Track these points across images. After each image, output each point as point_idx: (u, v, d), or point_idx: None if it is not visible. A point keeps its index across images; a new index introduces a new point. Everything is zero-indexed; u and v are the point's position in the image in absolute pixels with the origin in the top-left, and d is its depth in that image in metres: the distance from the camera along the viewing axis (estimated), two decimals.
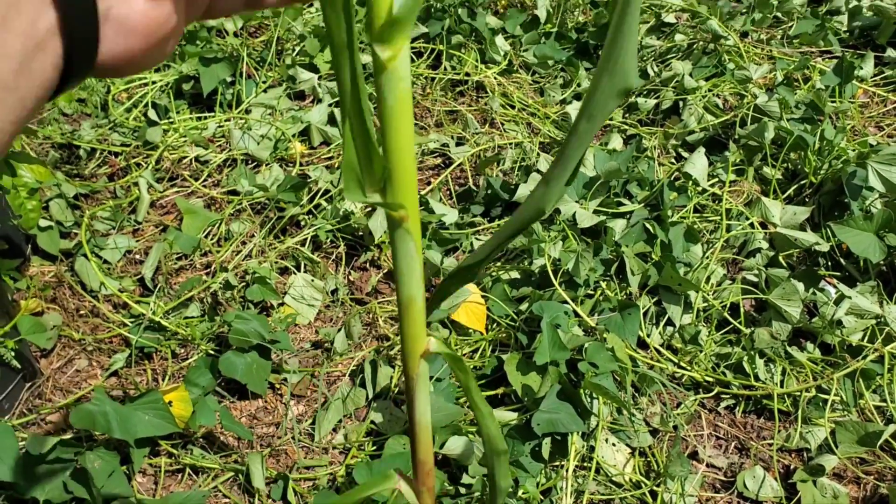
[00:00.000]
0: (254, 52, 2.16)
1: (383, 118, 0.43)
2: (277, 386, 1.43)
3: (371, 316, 1.53)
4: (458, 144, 1.93)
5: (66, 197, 1.69)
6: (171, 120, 1.95)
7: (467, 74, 2.10)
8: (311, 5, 2.31)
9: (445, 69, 2.12)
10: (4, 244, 1.35)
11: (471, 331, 1.47)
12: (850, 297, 1.45)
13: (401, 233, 0.47)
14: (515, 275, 1.54)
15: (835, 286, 1.52)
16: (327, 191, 1.73)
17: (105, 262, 1.63)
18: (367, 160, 0.44)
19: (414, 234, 0.48)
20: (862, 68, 2.01)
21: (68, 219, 1.68)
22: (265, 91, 2.05)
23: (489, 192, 1.74)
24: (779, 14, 2.25)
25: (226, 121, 1.96)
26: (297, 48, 2.15)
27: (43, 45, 0.30)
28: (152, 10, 0.33)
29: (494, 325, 1.48)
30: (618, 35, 0.42)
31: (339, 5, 0.38)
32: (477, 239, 1.67)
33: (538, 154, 1.82)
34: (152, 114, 1.93)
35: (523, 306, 1.46)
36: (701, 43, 2.13)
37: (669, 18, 2.21)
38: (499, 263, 1.61)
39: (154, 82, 2.04)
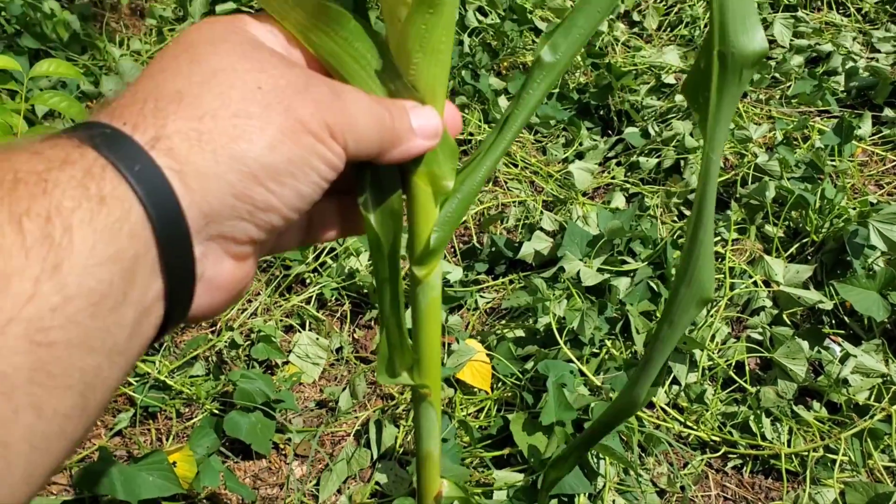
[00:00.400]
0: None
1: (416, 317, 0.52)
2: (281, 446, 1.43)
3: (376, 374, 1.52)
4: None
5: None
6: None
7: (471, 134, 2.13)
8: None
9: None
10: None
11: (476, 390, 1.47)
12: (855, 356, 1.45)
13: (424, 405, 0.56)
14: (520, 333, 1.55)
15: (839, 344, 1.52)
16: (333, 249, 1.75)
17: None
18: (399, 352, 0.52)
19: (435, 405, 0.56)
20: (860, 127, 2.03)
21: None
22: None
23: (493, 249, 1.76)
24: (777, 74, 2.29)
25: None
26: None
27: (149, 310, 0.34)
28: (237, 270, 0.38)
29: (500, 384, 1.48)
30: (693, 249, 0.48)
31: (385, 253, 0.46)
32: (481, 296, 1.68)
33: (541, 212, 1.84)
34: None
35: (528, 365, 1.46)
36: None
37: (670, 79, 2.25)
38: (503, 322, 1.61)
39: None
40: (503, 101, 2.21)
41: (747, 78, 0.48)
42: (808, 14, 2.52)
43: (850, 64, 2.27)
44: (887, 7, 2.54)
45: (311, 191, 0.38)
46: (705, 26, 2.50)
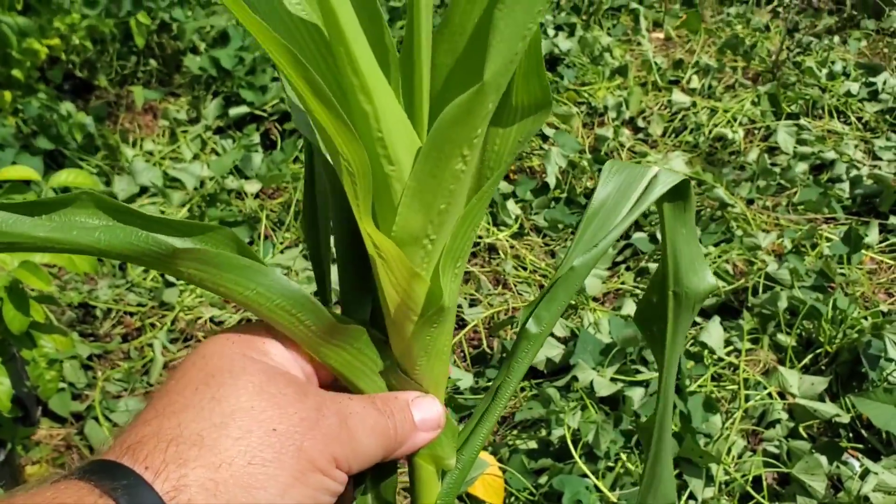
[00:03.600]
0: (272, 213, 2.21)
1: None
2: None
3: None
4: (471, 305, 1.94)
5: (79, 358, 1.69)
6: None
7: (479, 236, 2.15)
8: None
9: None
10: (19, 411, 1.34)
11: None
12: (876, 473, 1.41)
13: None
14: (533, 445, 1.52)
15: (858, 459, 1.49)
16: None
17: (115, 425, 1.61)
18: None
19: None
20: (867, 235, 2.05)
21: (81, 380, 1.67)
22: (282, 252, 2.09)
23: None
24: (782, 181, 2.31)
25: None
26: None
27: None
28: None
29: (513, 499, 1.44)
30: (656, 462, 0.54)
31: None
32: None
33: None
34: None
35: (542, 479, 1.43)
36: (708, 210, 2.18)
37: None
38: (515, 432, 1.58)
39: None
40: (511, 205, 2.23)
41: (697, 309, 0.54)
42: (810, 122, 2.57)
43: (854, 172, 2.30)
44: (887, 117, 2.60)
45: None
46: (710, 132, 2.55)
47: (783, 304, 1.74)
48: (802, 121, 2.57)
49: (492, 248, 2.15)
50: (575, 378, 1.59)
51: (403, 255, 0.40)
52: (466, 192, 0.41)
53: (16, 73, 2.24)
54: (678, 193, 0.51)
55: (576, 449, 1.43)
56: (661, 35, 3.26)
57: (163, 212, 2.22)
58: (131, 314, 1.90)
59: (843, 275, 1.89)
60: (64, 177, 1.23)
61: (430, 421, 0.46)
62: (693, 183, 2.36)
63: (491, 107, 0.37)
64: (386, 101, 0.38)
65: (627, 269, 2.06)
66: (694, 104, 2.71)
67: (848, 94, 2.70)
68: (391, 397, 0.45)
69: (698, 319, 1.86)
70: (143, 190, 2.29)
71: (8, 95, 2.25)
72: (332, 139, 0.37)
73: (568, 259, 0.49)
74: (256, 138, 2.48)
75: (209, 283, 0.39)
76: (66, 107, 2.36)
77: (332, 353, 0.44)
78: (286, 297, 0.41)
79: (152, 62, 2.85)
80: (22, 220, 0.35)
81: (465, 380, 1.68)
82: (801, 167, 2.35)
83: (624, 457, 1.47)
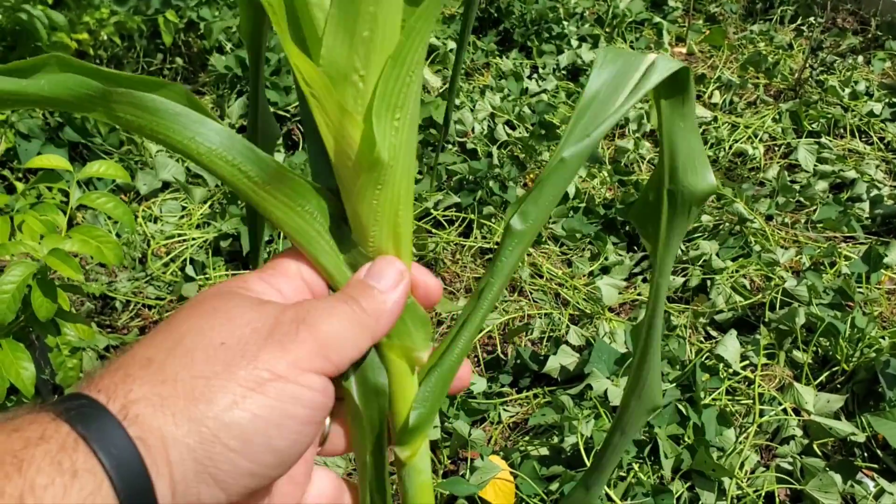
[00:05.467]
0: None
1: None
2: None
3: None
4: None
5: (97, 349, 1.70)
6: (207, 276, 1.99)
7: (497, 243, 2.15)
8: None
9: (476, 237, 2.17)
10: (37, 398, 1.35)
11: None
12: (891, 493, 1.41)
13: None
14: (545, 451, 1.52)
15: (873, 479, 1.48)
16: None
17: None
18: None
19: None
20: (887, 255, 2.04)
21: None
22: None
23: (518, 361, 1.74)
24: (802, 198, 2.31)
25: None
26: None
27: None
28: None
29: None
30: (642, 365, 0.51)
31: (366, 428, 0.44)
32: (505, 410, 1.66)
33: (567, 326, 1.83)
34: (189, 269, 1.97)
35: (553, 486, 1.43)
36: (727, 224, 2.18)
37: None
38: (527, 438, 1.58)
39: (194, 239, 2.09)
40: None
41: (695, 214, 0.50)
42: (831, 141, 2.57)
43: (875, 192, 2.29)
44: None
45: (288, 444, 0.37)
46: (730, 147, 2.55)
47: (801, 320, 1.73)
48: (824, 139, 2.56)
49: None
50: (589, 386, 1.59)
51: (331, 85, 0.39)
52: (396, 24, 0.40)
53: None
54: (676, 85, 0.48)
55: (588, 457, 1.43)
56: (684, 50, 3.26)
57: (185, 207, 2.24)
58: (150, 307, 1.91)
59: (861, 294, 1.89)
60: (96, 167, 1.24)
61: (391, 278, 0.43)
62: (712, 197, 2.36)
63: None
64: None
65: (644, 280, 2.06)
66: (715, 119, 2.71)
67: (870, 114, 2.69)
68: (349, 287, 0.43)
69: (714, 333, 1.85)
70: (166, 185, 2.31)
71: None
72: None
73: (558, 151, 0.46)
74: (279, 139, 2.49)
75: (147, 130, 0.39)
76: None
77: (282, 213, 0.42)
78: (225, 146, 0.40)
79: (178, 60, 2.88)
80: None
81: (479, 384, 1.68)
82: (822, 185, 2.35)
83: (636, 467, 1.46)
